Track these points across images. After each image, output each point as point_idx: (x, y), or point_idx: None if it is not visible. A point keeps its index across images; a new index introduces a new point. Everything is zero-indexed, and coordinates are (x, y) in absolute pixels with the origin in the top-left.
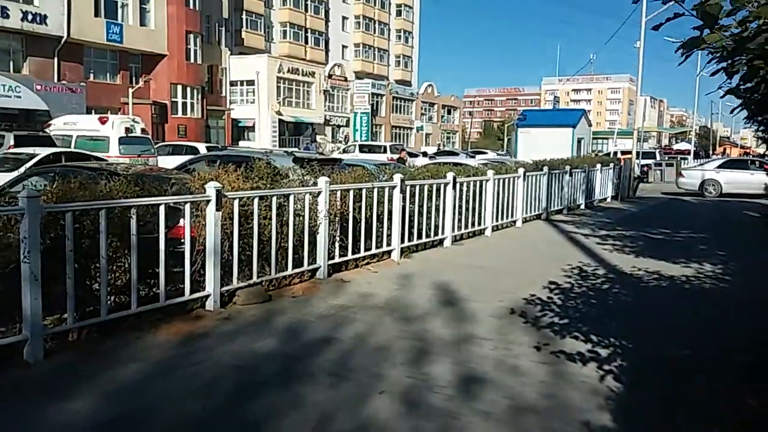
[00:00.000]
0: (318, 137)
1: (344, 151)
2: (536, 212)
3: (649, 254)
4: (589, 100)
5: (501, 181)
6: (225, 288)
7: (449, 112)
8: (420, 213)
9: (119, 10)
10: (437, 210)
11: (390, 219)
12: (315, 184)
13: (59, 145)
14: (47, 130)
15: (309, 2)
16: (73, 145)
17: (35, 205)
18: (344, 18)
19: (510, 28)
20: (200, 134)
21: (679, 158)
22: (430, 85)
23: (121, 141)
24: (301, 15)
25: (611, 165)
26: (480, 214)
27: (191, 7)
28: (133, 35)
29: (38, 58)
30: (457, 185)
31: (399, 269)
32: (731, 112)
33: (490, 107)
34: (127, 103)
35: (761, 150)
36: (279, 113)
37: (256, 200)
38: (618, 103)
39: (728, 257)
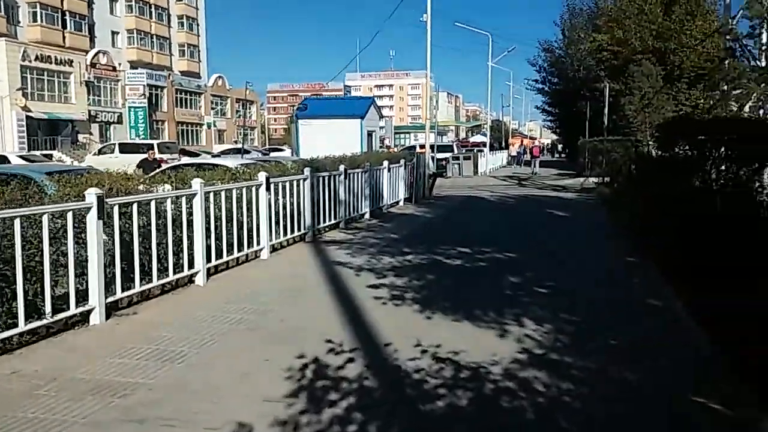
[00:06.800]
0: (81, 136)
1: (100, 153)
2: (298, 232)
3: (441, 306)
4: (392, 96)
5: (219, 195)
6: None
7: (244, 107)
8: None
9: None
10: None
11: None
12: None
13: None
14: None
15: None
16: None
17: None
18: (112, 0)
19: (311, 23)
20: None
21: (476, 150)
22: (220, 77)
23: None
24: None
25: (402, 161)
26: (187, 251)
27: None
28: None
29: None
30: (116, 212)
31: None
32: None
33: (295, 103)
34: None
35: (546, 140)
36: (26, 109)
37: None
38: (419, 99)
39: (556, 297)
